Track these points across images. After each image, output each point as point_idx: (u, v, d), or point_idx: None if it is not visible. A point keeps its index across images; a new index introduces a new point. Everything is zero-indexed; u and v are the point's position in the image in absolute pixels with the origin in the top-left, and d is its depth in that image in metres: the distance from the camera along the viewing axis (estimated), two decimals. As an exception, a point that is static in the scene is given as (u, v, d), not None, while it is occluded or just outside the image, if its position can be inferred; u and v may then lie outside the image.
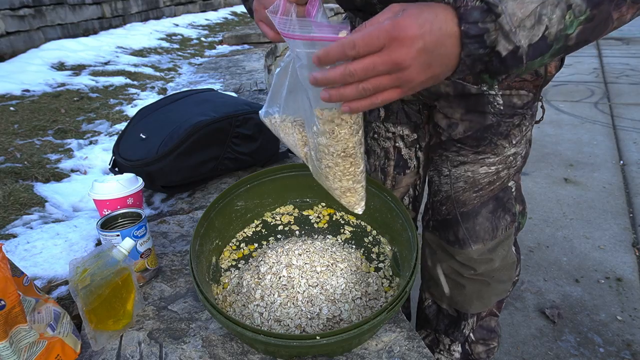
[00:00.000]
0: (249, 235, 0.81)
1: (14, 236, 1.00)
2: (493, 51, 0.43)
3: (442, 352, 1.03)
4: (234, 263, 0.77)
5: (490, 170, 0.82)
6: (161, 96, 2.30)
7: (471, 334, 0.98)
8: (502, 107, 0.75)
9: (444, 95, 0.78)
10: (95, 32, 3.90)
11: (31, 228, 1.04)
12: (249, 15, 0.68)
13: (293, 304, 0.65)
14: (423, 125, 0.86)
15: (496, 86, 0.72)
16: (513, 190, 0.87)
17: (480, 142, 0.78)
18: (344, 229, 0.82)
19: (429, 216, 0.93)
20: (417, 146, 0.89)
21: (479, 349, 1.00)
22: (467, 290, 0.92)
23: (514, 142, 0.80)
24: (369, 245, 0.78)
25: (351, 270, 0.70)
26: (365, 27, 0.42)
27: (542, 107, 0.83)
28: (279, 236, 0.81)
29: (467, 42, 0.41)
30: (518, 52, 0.42)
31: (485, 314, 0.97)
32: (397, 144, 0.89)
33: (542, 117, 0.84)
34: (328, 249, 0.73)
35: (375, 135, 0.91)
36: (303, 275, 0.68)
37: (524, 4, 0.41)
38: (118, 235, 0.73)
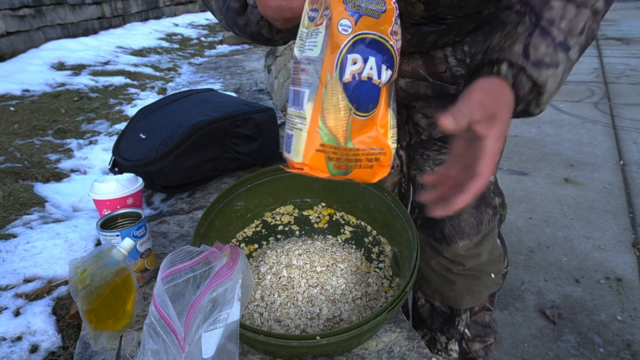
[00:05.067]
0: (249, 235, 0.81)
1: (14, 236, 1.00)
2: (527, 111, 0.57)
3: (440, 353, 1.04)
4: (234, 263, 0.76)
5: None
6: (161, 96, 2.30)
7: (466, 331, 0.99)
8: None
9: (423, 96, 0.79)
10: (95, 32, 3.90)
11: (31, 228, 1.04)
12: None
13: (293, 304, 0.65)
14: (403, 125, 0.88)
15: None
16: (492, 184, 0.90)
17: None
18: (344, 229, 0.82)
19: (415, 214, 0.95)
20: (398, 145, 0.91)
21: (476, 347, 1.01)
22: (457, 285, 0.94)
23: None
24: (369, 245, 0.78)
25: (351, 270, 0.70)
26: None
27: None
28: (279, 236, 0.81)
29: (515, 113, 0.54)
30: (542, 111, 0.56)
31: (478, 308, 0.98)
32: None
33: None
34: (328, 249, 0.73)
35: None
36: (303, 275, 0.68)
37: (556, 76, 0.52)
38: (118, 235, 0.73)
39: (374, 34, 0.40)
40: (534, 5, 0.53)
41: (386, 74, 0.42)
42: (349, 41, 0.40)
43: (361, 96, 0.41)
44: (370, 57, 0.40)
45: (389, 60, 0.42)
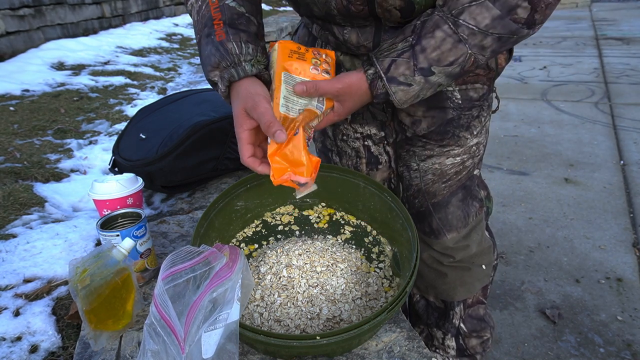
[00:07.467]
0: (249, 235, 0.81)
1: (14, 236, 1.00)
2: (390, 103, 0.70)
3: (438, 350, 1.04)
4: (234, 263, 0.76)
5: (456, 161, 0.87)
6: (161, 96, 2.30)
7: (462, 325, 1.00)
8: (460, 101, 0.81)
9: None
10: (95, 32, 3.90)
11: (31, 228, 1.04)
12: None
13: (293, 304, 0.64)
14: (389, 123, 0.90)
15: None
16: (477, 177, 0.93)
17: (444, 136, 0.84)
18: (344, 229, 0.82)
19: None
20: (385, 142, 0.93)
21: (472, 342, 1.02)
22: (449, 278, 0.95)
23: (475, 132, 0.85)
24: (369, 245, 0.78)
25: (351, 270, 0.70)
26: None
27: (496, 97, 0.90)
28: (279, 236, 0.81)
29: (374, 103, 0.71)
30: (403, 107, 0.69)
31: (471, 301, 1.00)
32: (366, 143, 0.93)
33: (498, 107, 0.93)
34: (328, 249, 0.73)
35: (345, 137, 0.94)
36: (303, 275, 0.68)
37: (408, 93, 0.65)
38: (118, 235, 0.73)
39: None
40: (423, 28, 0.62)
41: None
42: None
43: None
44: None
45: None
